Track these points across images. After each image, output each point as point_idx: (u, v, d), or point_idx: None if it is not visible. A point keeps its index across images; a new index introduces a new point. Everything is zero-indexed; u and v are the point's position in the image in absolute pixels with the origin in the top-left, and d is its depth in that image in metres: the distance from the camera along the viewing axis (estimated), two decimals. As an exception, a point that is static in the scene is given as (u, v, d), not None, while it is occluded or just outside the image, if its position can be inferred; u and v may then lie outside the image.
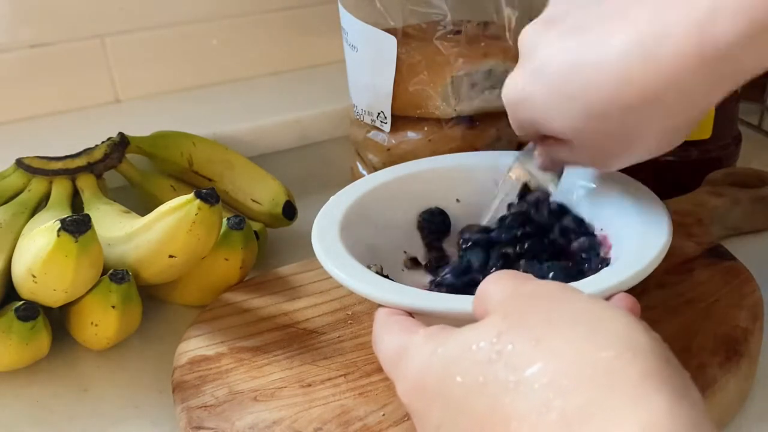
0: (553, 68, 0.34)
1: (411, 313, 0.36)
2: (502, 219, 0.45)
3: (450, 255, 0.48)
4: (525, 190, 0.45)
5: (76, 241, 0.42)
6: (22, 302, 0.44)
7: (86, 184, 0.54)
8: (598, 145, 0.36)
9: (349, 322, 0.46)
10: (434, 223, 0.49)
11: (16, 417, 0.44)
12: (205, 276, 0.50)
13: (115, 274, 0.45)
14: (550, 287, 0.29)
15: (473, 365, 0.26)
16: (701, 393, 0.24)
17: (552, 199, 0.45)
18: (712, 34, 0.27)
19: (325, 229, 0.43)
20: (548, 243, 0.44)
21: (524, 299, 0.28)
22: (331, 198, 0.47)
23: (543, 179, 0.44)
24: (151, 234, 0.46)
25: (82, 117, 0.72)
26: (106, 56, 0.72)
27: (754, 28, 0.27)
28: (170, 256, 0.46)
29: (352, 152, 0.63)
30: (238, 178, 0.59)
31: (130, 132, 0.59)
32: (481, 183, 0.50)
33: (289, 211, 0.58)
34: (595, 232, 0.44)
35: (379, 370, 0.39)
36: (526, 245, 0.43)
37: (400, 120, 0.57)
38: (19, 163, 0.55)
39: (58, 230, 0.42)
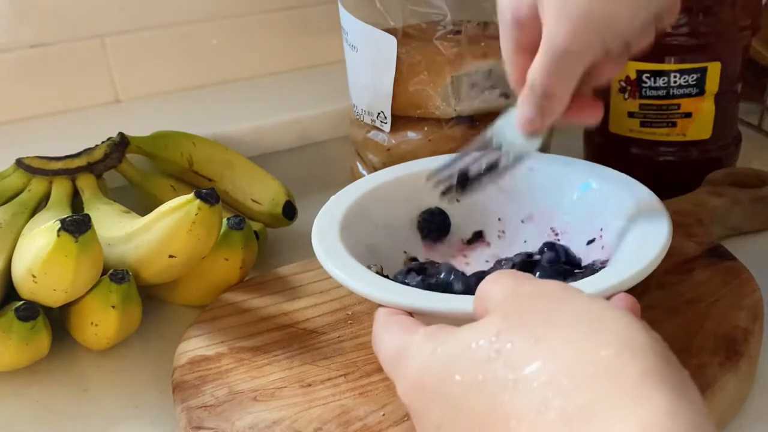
0: None
1: (411, 313, 0.36)
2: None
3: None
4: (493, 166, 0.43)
5: (76, 241, 0.42)
6: (22, 302, 0.44)
7: (86, 184, 0.54)
8: None
9: (349, 322, 0.46)
10: (434, 223, 0.49)
11: (16, 417, 0.44)
12: (205, 276, 0.50)
13: (115, 274, 0.45)
14: (550, 287, 0.29)
15: (473, 364, 0.26)
16: (701, 393, 0.24)
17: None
18: None
19: (325, 229, 0.43)
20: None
21: (524, 298, 0.28)
22: (331, 198, 0.47)
23: (520, 145, 0.42)
24: (151, 234, 0.46)
25: (82, 117, 0.72)
26: (106, 56, 0.72)
27: None
28: (170, 256, 0.46)
29: (352, 152, 0.63)
30: (238, 178, 0.59)
31: (130, 132, 0.59)
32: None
33: (289, 211, 0.58)
34: (594, 237, 0.44)
35: (379, 370, 0.39)
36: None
37: (400, 120, 0.57)
38: (19, 163, 0.55)
39: (58, 230, 0.42)
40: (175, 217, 0.45)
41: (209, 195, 0.45)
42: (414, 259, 0.48)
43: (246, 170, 0.60)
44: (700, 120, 0.58)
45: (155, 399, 0.44)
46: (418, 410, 0.29)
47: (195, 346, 0.44)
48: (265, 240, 0.57)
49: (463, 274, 0.43)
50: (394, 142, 0.57)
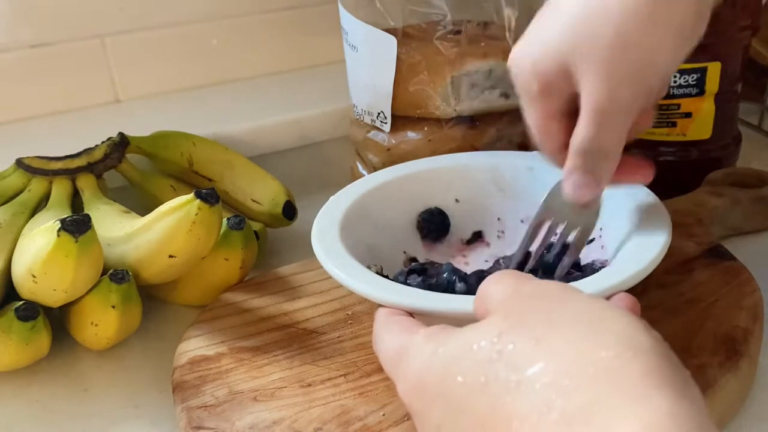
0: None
1: (411, 313, 0.36)
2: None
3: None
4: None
5: (76, 241, 0.42)
6: (22, 302, 0.44)
7: (86, 184, 0.54)
8: (600, 50, 0.34)
9: (349, 322, 0.46)
10: (434, 223, 0.49)
11: (16, 417, 0.44)
12: (205, 276, 0.50)
13: (115, 274, 0.45)
14: (551, 287, 0.29)
15: (474, 365, 0.26)
16: (701, 393, 0.24)
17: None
18: None
19: (325, 229, 0.43)
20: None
21: (525, 299, 0.28)
22: (331, 198, 0.47)
23: (579, 217, 0.40)
24: (151, 234, 0.46)
25: (82, 117, 0.72)
26: (106, 56, 0.72)
27: None
28: (170, 256, 0.46)
29: (352, 152, 0.63)
30: (238, 178, 0.59)
31: (130, 132, 0.59)
32: (480, 183, 0.50)
33: (289, 211, 0.58)
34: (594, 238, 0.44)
35: (379, 370, 0.39)
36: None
37: (400, 120, 0.57)
38: (19, 163, 0.55)
39: (58, 230, 0.42)
40: (175, 217, 0.45)
41: (209, 195, 0.45)
42: (414, 259, 0.48)
43: (246, 170, 0.60)
44: (700, 120, 0.58)
45: (155, 399, 0.44)
46: (419, 410, 0.29)
47: (195, 346, 0.44)
48: (265, 240, 0.57)
49: (465, 274, 0.43)
50: (394, 142, 0.57)
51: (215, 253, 0.48)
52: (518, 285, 0.29)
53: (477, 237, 0.50)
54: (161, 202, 0.46)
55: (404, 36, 0.54)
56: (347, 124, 0.64)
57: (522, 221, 0.49)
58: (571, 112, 0.37)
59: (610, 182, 0.38)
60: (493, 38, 0.54)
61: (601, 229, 0.44)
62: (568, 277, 0.43)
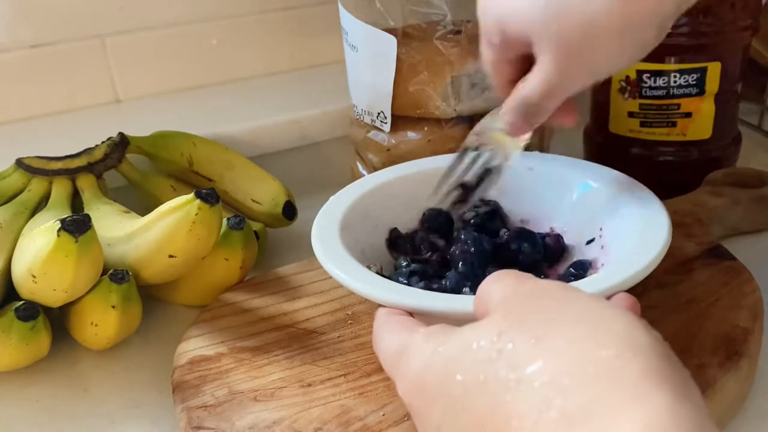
0: None
1: (411, 313, 0.36)
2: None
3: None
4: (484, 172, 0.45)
5: (76, 241, 0.42)
6: (22, 302, 0.44)
7: (86, 184, 0.54)
8: (565, 45, 0.37)
9: (349, 322, 0.46)
10: (438, 223, 0.49)
11: (16, 417, 0.44)
12: (205, 276, 0.50)
13: (115, 274, 0.45)
14: (551, 286, 0.29)
15: (474, 364, 0.26)
16: (701, 393, 0.24)
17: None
18: None
19: (325, 229, 0.43)
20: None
21: (525, 298, 0.28)
22: (331, 198, 0.47)
23: (508, 145, 0.44)
24: (151, 234, 0.46)
25: (82, 117, 0.72)
26: (106, 56, 0.72)
27: None
28: (170, 256, 0.46)
29: (352, 152, 0.63)
30: (238, 178, 0.59)
31: (130, 132, 0.59)
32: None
33: (289, 211, 0.58)
34: (594, 238, 0.44)
35: (379, 370, 0.39)
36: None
37: (400, 120, 0.57)
38: (19, 163, 0.55)
39: (58, 230, 0.42)
40: (175, 217, 0.45)
41: (209, 195, 0.45)
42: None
43: (246, 170, 0.60)
44: (700, 120, 0.58)
45: (155, 399, 0.44)
46: (419, 410, 0.29)
47: (195, 346, 0.44)
48: (265, 240, 0.57)
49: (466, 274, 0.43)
50: (394, 142, 0.57)
51: (215, 253, 0.48)
52: (518, 284, 0.29)
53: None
54: (161, 202, 0.46)
55: (404, 36, 0.54)
56: (347, 124, 0.64)
57: (522, 221, 0.49)
58: (524, 58, 0.40)
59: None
60: (493, 38, 0.54)
61: (601, 229, 0.44)
62: (568, 278, 0.43)
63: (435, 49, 0.53)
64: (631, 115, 0.59)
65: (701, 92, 0.57)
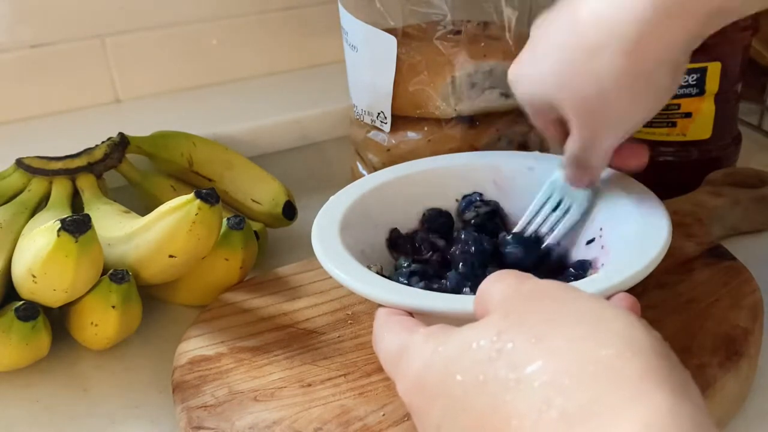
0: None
1: (411, 313, 0.36)
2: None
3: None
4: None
5: (76, 241, 0.42)
6: (22, 302, 0.44)
7: (86, 184, 0.54)
8: (582, 106, 0.38)
9: (349, 322, 0.46)
10: (437, 223, 0.49)
11: (16, 417, 0.44)
12: (205, 276, 0.50)
13: (115, 274, 0.45)
14: (551, 286, 0.29)
15: (473, 364, 0.26)
16: (701, 393, 0.24)
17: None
18: None
19: (325, 229, 0.43)
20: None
21: (525, 298, 0.28)
22: (331, 198, 0.47)
23: (572, 196, 0.45)
24: (151, 234, 0.46)
25: (82, 117, 0.72)
26: (106, 56, 0.72)
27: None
28: (170, 256, 0.46)
29: (352, 152, 0.63)
30: (238, 178, 0.59)
31: (130, 132, 0.59)
32: (480, 183, 0.50)
33: (289, 211, 0.58)
34: (594, 238, 0.44)
35: (379, 370, 0.39)
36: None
37: (400, 120, 0.57)
38: (19, 163, 0.55)
39: (58, 230, 0.42)
40: (175, 217, 0.45)
41: (209, 195, 0.45)
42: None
43: (246, 170, 0.60)
44: (700, 120, 0.58)
45: (155, 399, 0.44)
46: (419, 409, 0.29)
47: (195, 346, 0.44)
48: (265, 240, 0.57)
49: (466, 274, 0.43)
50: (394, 142, 0.57)
51: (215, 253, 0.48)
52: (518, 284, 0.29)
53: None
54: (161, 202, 0.46)
55: (404, 36, 0.54)
56: (347, 124, 0.64)
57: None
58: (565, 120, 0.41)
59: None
60: (493, 38, 0.54)
61: (601, 229, 0.44)
62: (568, 278, 0.43)
63: (435, 49, 0.53)
64: (631, 115, 0.59)
65: (701, 92, 0.57)
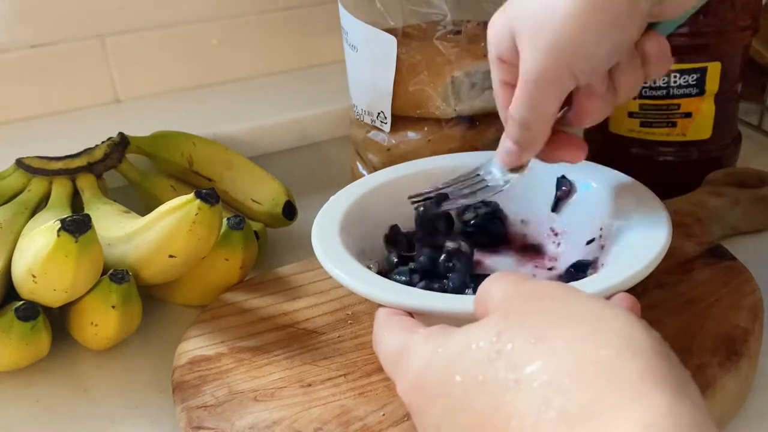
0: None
1: (411, 313, 0.36)
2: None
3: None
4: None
5: (76, 241, 0.42)
6: (22, 302, 0.44)
7: (86, 184, 0.54)
8: (534, 30, 0.36)
9: (349, 322, 0.46)
10: (436, 224, 0.49)
11: (16, 417, 0.44)
12: (205, 276, 0.50)
13: (115, 274, 0.45)
14: (551, 287, 0.29)
15: (473, 364, 0.26)
16: (701, 393, 0.24)
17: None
18: None
19: (325, 229, 0.43)
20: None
21: (524, 299, 0.28)
22: (331, 198, 0.47)
23: (499, 178, 0.43)
24: (151, 234, 0.46)
25: (82, 117, 0.72)
26: (106, 56, 0.72)
27: None
28: (170, 256, 0.46)
29: (352, 152, 0.63)
30: (238, 178, 0.59)
31: (130, 132, 0.59)
32: (481, 183, 0.50)
33: (289, 211, 0.58)
34: (594, 238, 0.44)
35: (379, 370, 0.39)
36: None
37: (400, 120, 0.57)
38: (19, 163, 0.55)
39: (58, 230, 0.42)
40: (175, 217, 0.45)
41: (209, 195, 0.45)
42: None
43: (246, 170, 0.60)
44: (700, 120, 0.58)
45: (155, 399, 0.44)
46: (419, 409, 0.29)
47: (195, 346, 0.44)
48: (265, 240, 0.57)
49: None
50: (394, 142, 0.57)
51: (215, 253, 0.48)
52: (518, 285, 0.29)
53: (477, 237, 0.50)
54: (161, 202, 0.46)
55: (404, 36, 0.54)
56: (347, 124, 0.64)
57: (522, 221, 0.49)
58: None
59: (541, 157, 0.41)
60: (493, 38, 0.54)
61: (601, 229, 0.44)
62: (568, 278, 0.43)
63: (435, 49, 0.53)
64: (631, 115, 0.59)
65: (701, 92, 0.57)
